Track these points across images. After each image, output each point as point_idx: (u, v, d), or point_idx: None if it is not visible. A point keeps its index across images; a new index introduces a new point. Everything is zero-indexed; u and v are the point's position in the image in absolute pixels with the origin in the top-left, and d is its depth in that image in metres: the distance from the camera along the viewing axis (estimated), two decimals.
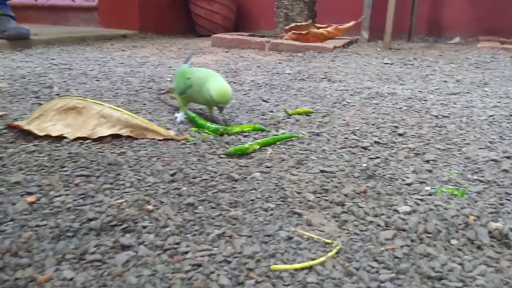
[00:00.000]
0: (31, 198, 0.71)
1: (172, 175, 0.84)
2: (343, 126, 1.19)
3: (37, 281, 0.52)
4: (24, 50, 2.42)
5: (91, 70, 1.91)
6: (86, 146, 0.97)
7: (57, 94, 1.46)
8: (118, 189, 0.77)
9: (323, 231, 0.67)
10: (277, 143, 1.05)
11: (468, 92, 1.60)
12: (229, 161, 0.93)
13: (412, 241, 0.65)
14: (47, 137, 1.00)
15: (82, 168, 0.85)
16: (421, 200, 0.76)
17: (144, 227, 0.65)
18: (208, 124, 1.12)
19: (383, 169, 0.90)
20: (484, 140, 1.08)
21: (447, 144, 1.06)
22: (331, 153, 0.99)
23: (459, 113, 1.31)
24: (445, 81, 1.79)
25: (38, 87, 1.54)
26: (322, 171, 0.89)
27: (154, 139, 1.04)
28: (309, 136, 1.10)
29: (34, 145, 0.96)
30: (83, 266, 0.56)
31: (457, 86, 1.70)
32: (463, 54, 2.49)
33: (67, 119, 1.04)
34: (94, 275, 0.54)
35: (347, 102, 1.44)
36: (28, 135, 1.02)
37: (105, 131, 1.01)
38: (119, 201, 0.72)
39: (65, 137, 1.00)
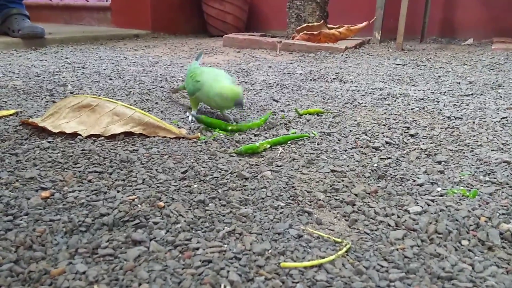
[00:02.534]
0: (45, 193, 0.73)
1: (183, 172, 0.85)
2: (354, 126, 1.19)
3: (50, 274, 0.53)
4: (38, 49, 2.46)
5: (104, 69, 1.93)
6: (99, 143, 0.98)
7: (71, 93, 1.47)
8: (130, 186, 0.78)
9: (333, 230, 0.68)
10: (288, 142, 1.05)
11: (481, 94, 1.59)
12: (239, 159, 0.94)
13: (423, 241, 0.64)
14: (61, 134, 1.02)
15: (95, 164, 0.86)
16: (432, 200, 0.76)
17: (156, 223, 0.65)
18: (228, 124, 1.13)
19: (394, 169, 0.90)
20: (497, 142, 1.07)
21: (459, 145, 1.05)
22: (341, 153, 0.99)
23: (471, 115, 1.30)
24: (458, 83, 1.78)
25: (52, 85, 1.56)
26: (332, 171, 0.89)
27: (166, 137, 1.04)
28: (320, 136, 1.10)
29: (49, 142, 0.97)
30: (95, 260, 0.56)
31: (470, 88, 1.69)
32: (476, 56, 2.47)
33: (80, 116, 1.06)
34: (106, 269, 0.54)
35: (359, 103, 1.44)
36: (43, 132, 1.03)
37: (118, 129, 1.02)
38: (131, 197, 0.73)
39: (79, 134, 1.01)
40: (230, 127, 1.11)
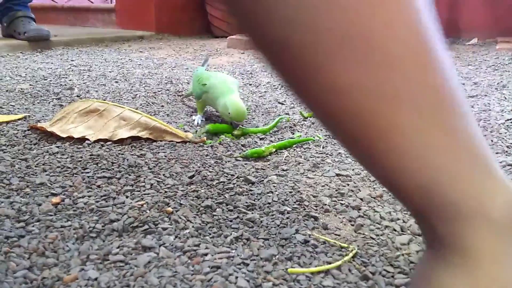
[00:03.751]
0: (55, 199, 0.74)
1: (190, 177, 0.86)
2: None
3: (63, 280, 0.54)
4: (44, 51, 2.47)
5: (110, 71, 1.94)
6: (107, 148, 0.99)
7: (78, 96, 1.49)
8: (138, 191, 0.79)
9: (339, 235, 0.68)
10: (293, 146, 1.06)
11: (485, 95, 1.59)
12: (245, 163, 0.95)
13: None
14: (69, 138, 1.03)
15: (103, 169, 0.88)
16: None
17: (164, 228, 0.66)
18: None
19: None
20: (501, 145, 1.08)
21: None
22: (346, 157, 1.00)
23: (476, 117, 1.31)
24: (463, 84, 1.78)
25: (59, 88, 1.58)
26: (338, 175, 0.89)
27: (172, 141, 1.06)
28: (325, 139, 1.11)
29: (57, 147, 0.99)
30: (106, 266, 0.58)
31: (474, 89, 1.69)
32: (481, 56, 2.47)
33: (88, 121, 1.07)
34: (117, 276, 0.56)
35: None
36: (51, 137, 1.05)
37: (125, 133, 1.04)
38: (140, 203, 0.74)
39: (87, 139, 1.02)
40: (236, 132, 1.12)
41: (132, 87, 1.65)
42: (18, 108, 1.31)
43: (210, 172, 0.89)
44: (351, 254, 0.62)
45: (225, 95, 1.11)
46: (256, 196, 0.80)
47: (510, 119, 1.28)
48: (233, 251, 0.62)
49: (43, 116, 1.23)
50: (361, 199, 0.80)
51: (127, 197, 0.77)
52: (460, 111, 0.38)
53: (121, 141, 1.03)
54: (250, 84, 1.76)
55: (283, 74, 0.40)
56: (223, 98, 1.11)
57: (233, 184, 0.84)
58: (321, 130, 1.18)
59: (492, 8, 3.24)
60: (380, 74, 0.35)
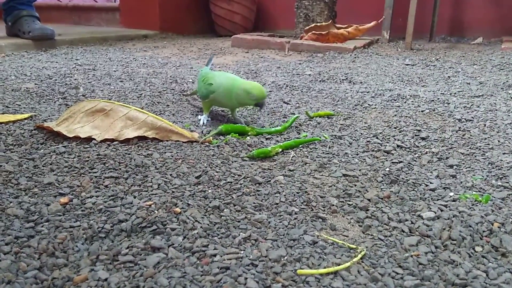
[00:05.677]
0: (64, 199, 0.74)
1: (197, 177, 0.86)
2: (365, 129, 1.19)
3: (73, 281, 0.54)
4: (49, 51, 2.48)
5: (114, 70, 1.94)
6: (113, 147, 0.99)
7: (83, 95, 1.49)
8: (146, 191, 0.79)
9: (347, 236, 0.68)
10: (300, 146, 1.06)
11: (491, 95, 1.58)
12: (252, 164, 0.95)
13: (437, 247, 0.65)
14: (76, 138, 1.03)
15: (110, 169, 0.88)
16: (445, 206, 0.77)
17: (173, 229, 0.67)
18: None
19: (406, 173, 0.91)
20: (508, 145, 1.08)
21: (470, 148, 1.06)
22: (353, 157, 0.99)
23: (482, 117, 1.30)
24: (468, 83, 1.78)
25: (64, 87, 1.58)
26: (345, 175, 0.89)
27: (178, 141, 1.06)
28: (331, 139, 1.11)
29: (64, 146, 0.99)
30: (116, 267, 0.58)
31: (480, 89, 1.68)
32: (486, 55, 2.46)
33: (95, 121, 1.07)
34: (127, 276, 0.56)
35: (369, 105, 1.44)
36: (58, 136, 1.05)
37: (131, 133, 1.04)
38: (147, 203, 0.74)
39: (93, 139, 1.02)
40: (251, 133, 1.12)
41: (137, 86, 1.65)
42: (24, 108, 1.32)
43: (217, 172, 0.89)
44: (359, 255, 0.62)
45: (237, 85, 1.12)
46: (264, 197, 0.80)
47: None
48: (242, 252, 0.62)
49: (49, 116, 1.23)
50: (369, 199, 0.80)
51: (135, 197, 0.77)
52: None
53: (127, 141, 1.03)
54: None
55: None
56: (237, 88, 1.12)
57: (240, 184, 0.84)
58: (327, 130, 1.18)
59: (497, 7, 3.23)
60: None
